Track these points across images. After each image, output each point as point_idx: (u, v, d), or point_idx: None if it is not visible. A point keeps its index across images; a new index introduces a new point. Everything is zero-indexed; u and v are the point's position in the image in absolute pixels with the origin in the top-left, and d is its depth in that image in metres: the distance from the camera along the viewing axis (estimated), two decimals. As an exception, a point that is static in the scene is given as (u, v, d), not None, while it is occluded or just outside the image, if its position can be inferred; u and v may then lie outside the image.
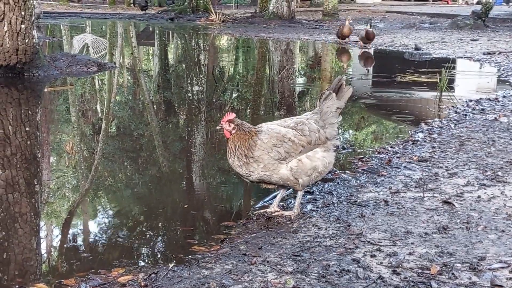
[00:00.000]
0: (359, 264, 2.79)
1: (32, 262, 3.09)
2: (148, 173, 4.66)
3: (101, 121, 6.59)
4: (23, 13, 8.56)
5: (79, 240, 3.44)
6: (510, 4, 34.68)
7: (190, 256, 3.00)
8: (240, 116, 6.81)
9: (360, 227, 3.27)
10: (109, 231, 3.57)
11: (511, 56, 11.39)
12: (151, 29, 22.57)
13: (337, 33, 14.44)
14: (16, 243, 3.26)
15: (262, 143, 3.33)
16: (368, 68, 11.11)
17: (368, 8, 33.10)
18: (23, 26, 8.56)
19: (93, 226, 3.67)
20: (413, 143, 5.13)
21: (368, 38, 13.33)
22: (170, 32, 20.91)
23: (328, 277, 2.66)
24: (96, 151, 5.33)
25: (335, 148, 3.56)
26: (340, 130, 6.20)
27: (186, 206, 3.88)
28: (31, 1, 8.76)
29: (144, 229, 3.53)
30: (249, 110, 7.30)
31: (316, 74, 10.60)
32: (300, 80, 9.88)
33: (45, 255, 3.21)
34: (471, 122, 5.84)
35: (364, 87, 8.85)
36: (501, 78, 9.16)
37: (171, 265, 2.82)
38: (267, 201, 3.83)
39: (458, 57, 11.61)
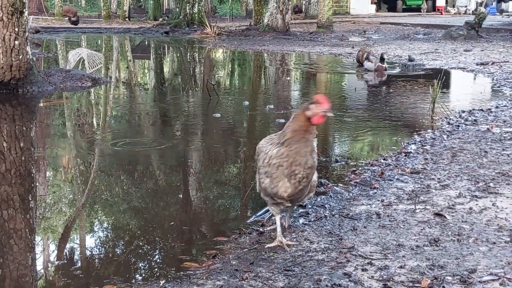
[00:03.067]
0: (350, 278, 2.79)
1: (25, 278, 3.08)
2: (141, 188, 4.66)
3: (95, 135, 6.58)
4: (16, 29, 8.59)
5: (71, 257, 3.43)
6: (504, 14, 34.89)
7: (181, 272, 3.00)
8: (238, 128, 6.83)
9: (352, 240, 3.27)
10: (101, 247, 3.57)
11: (504, 66, 11.44)
12: (146, 42, 22.66)
13: (357, 58, 12.70)
14: (11, 259, 3.26)
15: None
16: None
17: (362, 20, 33.26)
18: (16, 42, 8.59)
19: (85, 243, 3.66)
20: (405, 155, 5.15)
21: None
22: (166, 45, 20.99)
23: (319, 291, 2.66)
24: (91, 166, 5.33)
25: None
26: (334, 142, 6.21)
27: (176, 221, 3.88)
28: (25, 17, 8.80)
29: (136, 245, 3.52)
30: (245, 121, 7.32)
31: (311, 85, 10.64)
32: (295, 92, 9.90)
33: (38, 272, 3.20)
34: (463, 133, 5.86)
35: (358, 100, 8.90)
36: (494, 88, 9.21)
37: (162, 282, 2.82)
38: (259, 215, 3.83)
39: (452, 68, 11.67)
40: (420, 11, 41.77)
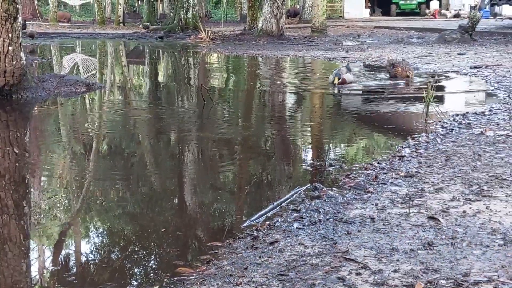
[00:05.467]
0: (344, 283, 2.79)
1: (18, 285, 3.07)
2: (135, 194, 4.65)
3: (89, 142, 6.57)
4: (10, 35, 8.57)
5: (64, 263, 3.42)
6: (497, 17, 34.99)
7: (175, 278, 2.99)
8: (232, 133, 6.83)
9: (346, 244, 3.28)
10: (95, 253, 3.56)
11: (498, 70, 11.48)
12: (140, 47, 22.65)
13: (390, 73, 10.86)
14: (5, 265, 3.25)
15: None
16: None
17: (356, 24, 33.33)
18: (10, 48, 8.57)
19: (79, 249, 3.65)
20: (399, 159, 5.16)
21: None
22: (160, 50, 20.99)
23: (313, 296, 2.66)
24: (85, 172, 5.32)
25: None
26: (328, 146, 6.23)
27: (171, 226, 3.88)
28: (18, 23, 8.79)
29: (130, 251, 3.51)
30: (240, 126, 7.32)
31: (305, 87, 10.63)
32: (291, 95, 9.90)
33: (31, 278, 3.19)
34: (457, 137, 5.88)
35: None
36: (488, 91, 9.23)
37: (156, 288, 2.81)
38: (254, 220, 3.83)
39: (445, 71, 11.70)
40: (415, 15, 41.76)
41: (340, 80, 9.89)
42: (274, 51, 18.33)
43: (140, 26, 32.49)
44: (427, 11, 41.84)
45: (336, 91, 9.65)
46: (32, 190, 4.75)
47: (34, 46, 19.94)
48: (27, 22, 23.71)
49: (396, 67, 10.75)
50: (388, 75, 10.91)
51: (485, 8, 35.77)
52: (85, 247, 3.68)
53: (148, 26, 31.17)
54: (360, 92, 9.96)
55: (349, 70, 10.35)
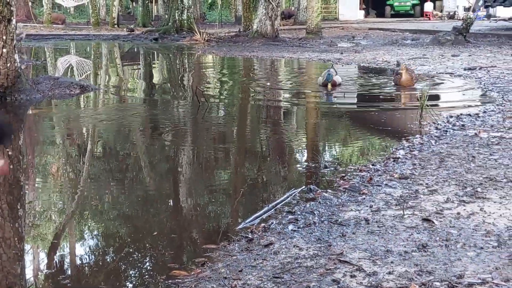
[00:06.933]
0: (339, 285, 2.79)
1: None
2: (131, 196, 4.65)
3: (83, 144, 6.56)
4: (4, 37, 8.55)
5: (59, 266, 3.41)
6: (492, 19, 35.13)
7: (170, 281, 2.99)
8: (228, 135, 6.84)
9: (341, 246, 3.28)
10: (90, 256, 3.55)
11: (491, 71, 11.52)
12: (135, 49, 22.64)
13: (394, 81, 10.21)
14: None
15: None
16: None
17: (351, 26, 33.41)
18: (4, 50, 8.56)
19: (73, 251, 3.65)
20: (394, 160, 5.17)
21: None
22: (155, 52, 20.99)
23: (308, 298, 2.66)
24: (80, 175, 5.31)
25: None
26: (323, 148, 6.24)
27: (166, 229, 3.88)
28: (12, 25, 8.77)
29: (124, 254, 3.51)
30: (235, 128, 7.33)
31: (300, 88, 10.64)
32: (286, 95, 9.91)
33: (25, 280, 3.18)
34: (451, 138, 5.89)
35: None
36: (482, 93, 9.26)
37: (150, 290, 2.81)
38: (249, 222, 3.83)
39: (439, 73, 11.74)
40: (409, 17, 41.82)
41: (331, 82, 9.76)
42: (268, 52, 18.35)
43: (125, 29, 32.30)
44: (435, 12, 41.76)
45: (326, 96, 9.57)
46: (26, 192, 4.73)
47: (27, 49, 19.90)
48: (17, 24, 23.68)
49: (397, 75, 9.97)
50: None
51: (479, 9, 35.84)
52: (79, 249, 3.67)
53: (133, 29, 31.15)
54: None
55: (335, 72, 10.31)
